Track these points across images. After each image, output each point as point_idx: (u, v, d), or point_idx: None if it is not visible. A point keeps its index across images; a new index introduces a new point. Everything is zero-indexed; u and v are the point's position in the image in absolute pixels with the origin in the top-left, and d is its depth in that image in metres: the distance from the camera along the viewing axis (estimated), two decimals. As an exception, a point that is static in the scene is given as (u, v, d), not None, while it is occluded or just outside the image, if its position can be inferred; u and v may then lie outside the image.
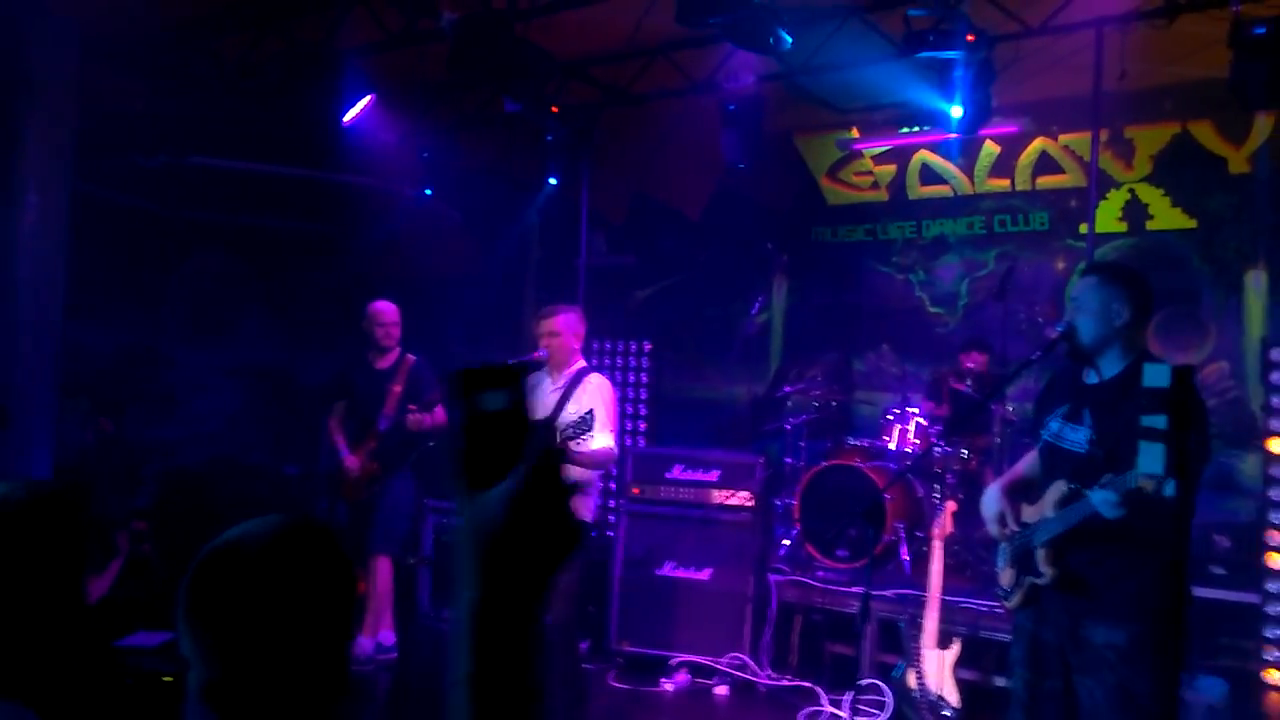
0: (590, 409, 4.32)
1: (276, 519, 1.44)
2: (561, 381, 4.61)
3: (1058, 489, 3.01)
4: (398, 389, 5.57)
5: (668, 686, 5.47)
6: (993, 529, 3.27)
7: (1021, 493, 3.27)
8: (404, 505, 5.77)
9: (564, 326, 4.63)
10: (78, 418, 7.39)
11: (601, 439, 4.38)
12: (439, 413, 5.53)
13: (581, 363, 4.71)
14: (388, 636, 5.71)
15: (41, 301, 5.76)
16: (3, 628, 1.68)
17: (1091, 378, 3.05)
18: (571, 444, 4.23)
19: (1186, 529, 2.56)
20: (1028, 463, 3.34)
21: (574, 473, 4.45)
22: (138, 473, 7.11)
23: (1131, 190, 6.87)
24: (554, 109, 6.95)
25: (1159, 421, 2.49)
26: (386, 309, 5.73)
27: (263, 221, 7.98)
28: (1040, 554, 3.02)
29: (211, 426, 8.05)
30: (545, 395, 4.62)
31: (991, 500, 3.27)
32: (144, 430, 7.66)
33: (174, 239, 7.96)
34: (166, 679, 4.03)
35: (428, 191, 7.77)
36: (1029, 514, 3.18)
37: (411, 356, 5.73)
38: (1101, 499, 2.74)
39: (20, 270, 5.69)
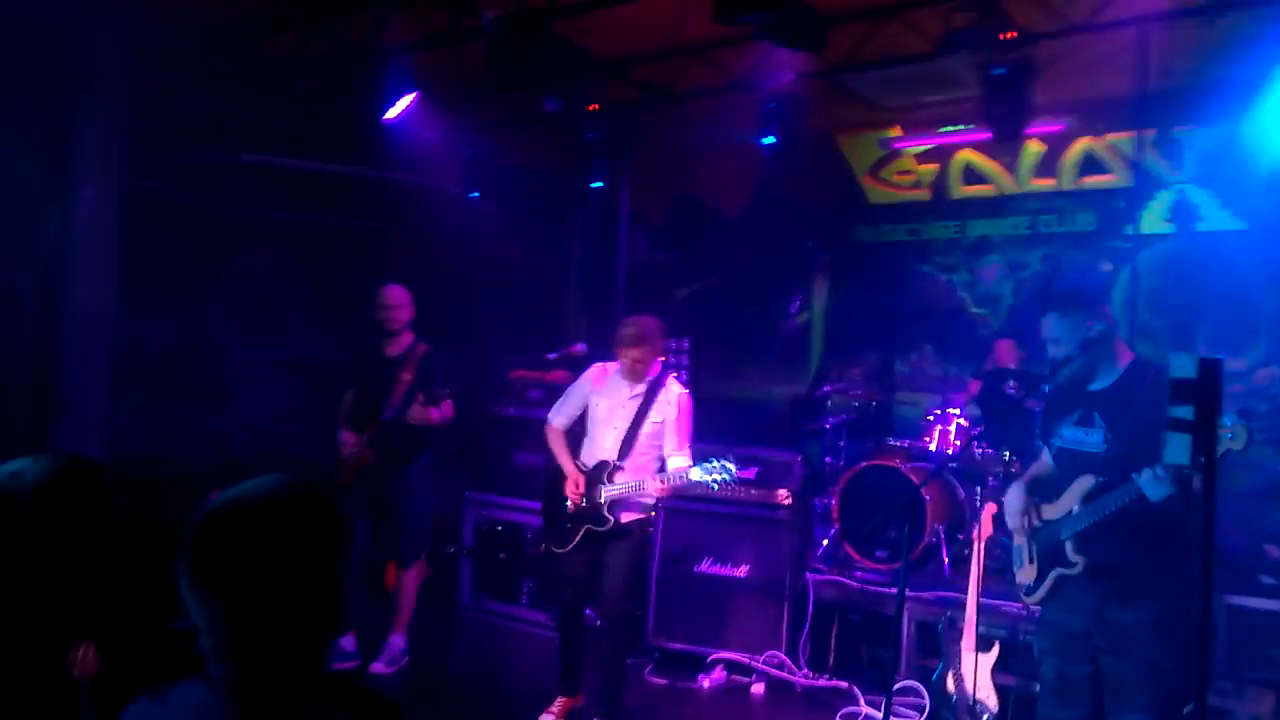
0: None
1: (267, 479, 1.50)
2: (641, 389, 4.68)
3: (1084, 483, 3.21)
4: (407, 377, 5.37)
5: (704, 683, 5.48)
6: (1014, 522, 3.47)
7: (1038, 492, 3.46)
8: (420, 504, 5.53)
9: (652, 350, 4.69)
10: (133, 409, 7.58)
11: (680, 460, 4.61)
12: (447, 407, 5.35)
13: (657, 369, 4.79)
14: (398, 641, 5.52)
15: (96, 294, 5.90)
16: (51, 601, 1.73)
17: (1096, 384, 3.29)
18: (661, 483, 4.49)
19: (1211, 513, 2.63)
20: (1041, 465, 3.54)
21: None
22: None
23: (1180, 190, 6.76)
24: (593, 108, 6.99)
25: (1185, 413, 2.50)
26: (393, 292, 5.52)
27: (310, 218, 8.11)
28: (1069, 545, 3.22)
29: (262, 419, 8.20)
30: (624, 402, 4.69)
31: (1016, 496, 3.47)
32: (196, 423, 7.83)
33: (225, 235, 8.11)
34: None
35: (474, 195, 7.85)
36: (1049, 512, 3.37)
37: (424, 345, 5.52)
38: (1149, 479, 2.88)
39: (76, 263, 5.84)
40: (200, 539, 1.43)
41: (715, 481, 4.39)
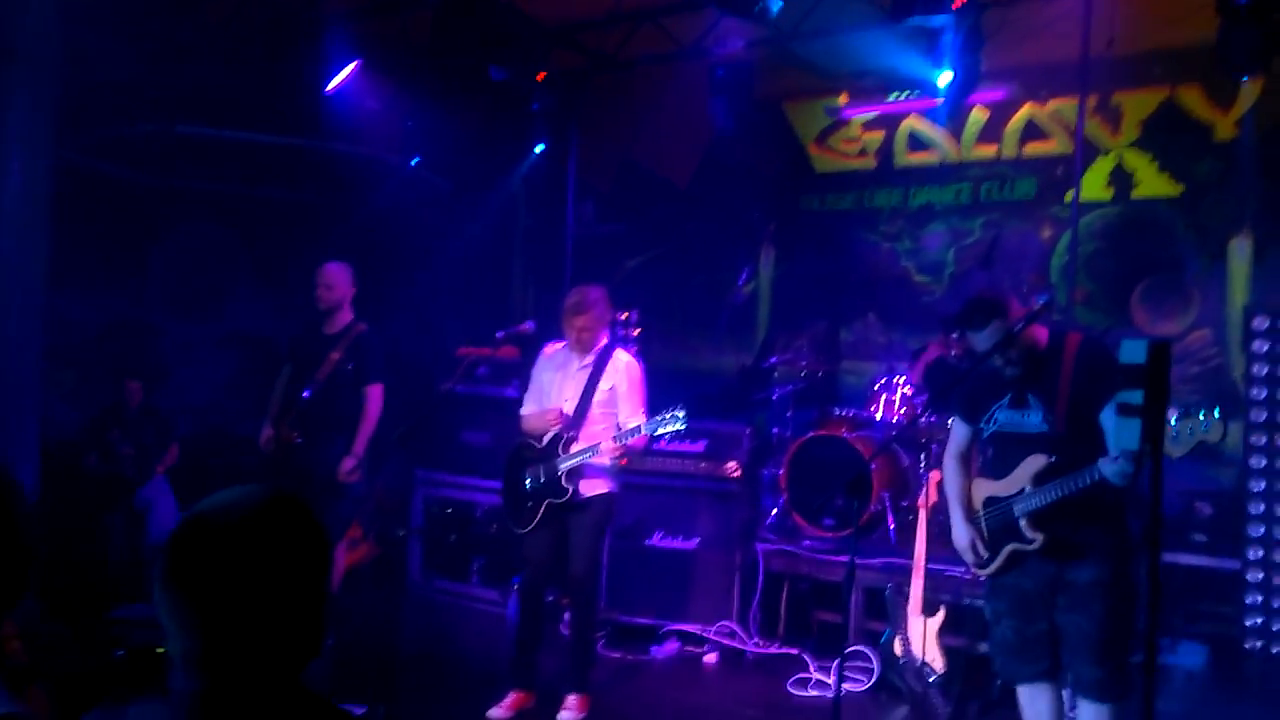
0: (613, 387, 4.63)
1: (251, 489, 1.46)
2: (590, 360, 4.68)
3: (1035, 463, 3.31)
4: (335, 356, 5.23)
5: (657, 655, 5.54)
6: (969, 557, 3.55)
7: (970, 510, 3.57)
8: (343, 486, 5.26)
9: (597, 318, 4.67)
10: (65, 391, 7.38)
11: (637, 420, 4.54)
12: (373, 396, 5.24)
13: (606, 339, 4.77)
14: None
15: (26, 272, 5.70)
16: None
17: (1020, 369, 3.37)
18: (612, 443, 4.45)
19: (1159, 495, 2.73)
20: (965, 482, 3.61)
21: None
22: (168, 437, 7.14)
23: (1119, 156, 6.87)
24: (540, 76, 6.90)
25: (1135, 397, 2.54)
26: (326, 271, 5.33)
27: (249, 191, 7.92)
28: (1023, 523, 3.33)
29: (201, 398, 8.05)
30: (573, 373, 4.67)
31: (961, 533, 3.56)
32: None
33: (160, 209, 7.89)
34: (160, 650, 4.07)
35: (414, 160, 7.73)
36: (998, 489, 3.46)
37: (361, 325, 5.36)
38: (1114, 469, 3.03)
39: (4, 241, 5.64)
40: (179, 544, 1.38)
41: (667, 432, 4.39)
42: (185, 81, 6.85)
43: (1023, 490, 3.32)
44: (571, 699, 4.59)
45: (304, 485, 5.15)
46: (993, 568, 3.46)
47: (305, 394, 5.24)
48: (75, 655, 4.70)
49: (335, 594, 5.45)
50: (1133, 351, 2.54)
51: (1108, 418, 3.15)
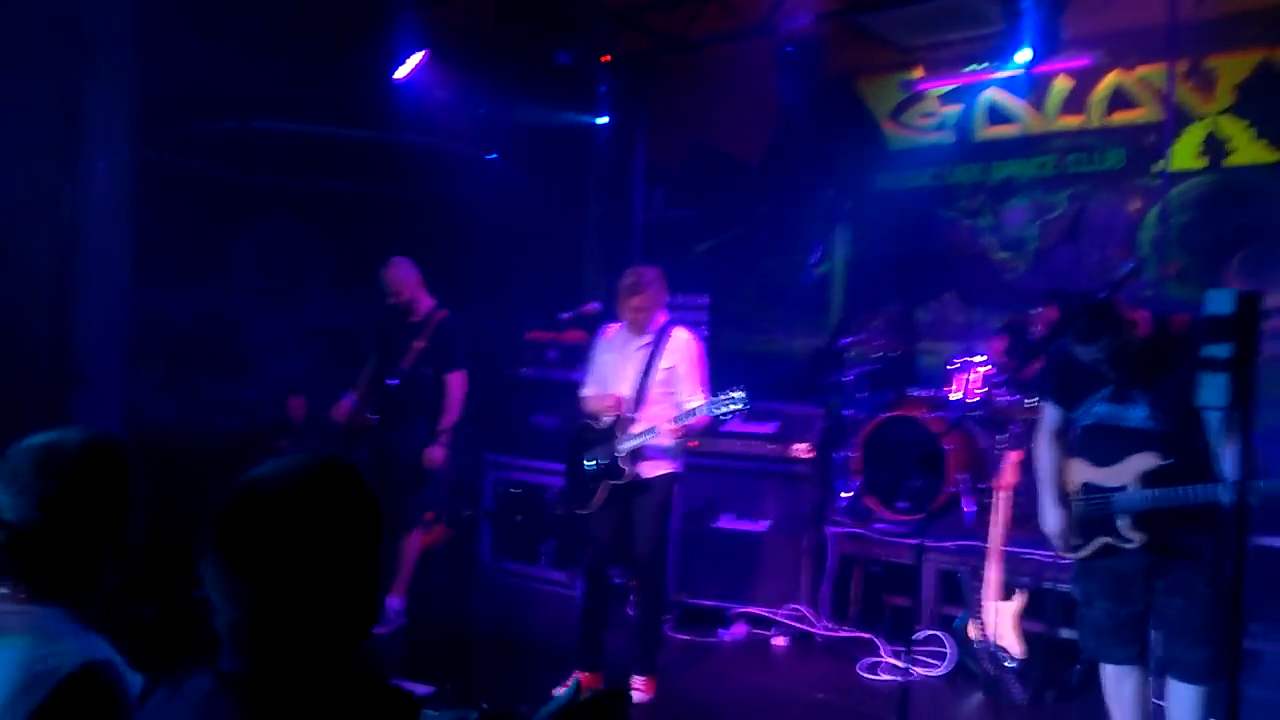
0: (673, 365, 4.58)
1: (305, 458, 1.43)
2: (648, 339, 4.61)
3: (1144, 461, 3.10)
4: (419, 345, 5.37)
5: (725, 637, 5.47)
6: (1058, 543, 3.40)
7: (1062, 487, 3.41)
8: (422, 470, 5.40)
9: (652, 298, 4.61)
10: (156, 382, 7.64)
11: (696, 400, 4.44)
12: (455, 383, 5.36)
13: (663, 318, 4.71)
14: (394, 603, 5.49)
15: (112, 266, 5.90)
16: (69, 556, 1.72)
17: (1112, 376, 3.19)
18: (672, 424, 4.39)
19: (1246, 469, 2.58)
20: (1058, 463, 3.42)
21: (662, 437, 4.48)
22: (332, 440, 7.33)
23: (1212, 123, 6.51)
24: (606, 59, 6.86)
25: (1222, 351, 2.36)
26: (387, 276, 5.47)
27: (325, 184, 8.07)
28: (1123, 522, 3.15)
29: (285, 389, 8.24)
30: (631, 354, 4.62)
31: (1052, 518, 3.40)
32: (222, 392, 7.89)
33: (241, 204, 8.10)
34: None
35: (492, 155, 7.76)
36: (1098, 476, 3.25)
37: (443, 312, 5.49)
38: (1230, 495, 2.86)
39: (91, 235, 5.84)
40: (228, 511, 1.34)
41: (726, 413, 4.27)
42: (256, 76, 7.00)
43: (1125, 486, 3.14)
44: (639, 680, 4.56)
45: (389, 470, 5.30)
46: (1083, 554, 3.30)
47: (392, 382, 5.37)
48: (155, 634, 4.84)
49: (410, 575, 5.53)
50: (1219, 302, 2.36)
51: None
